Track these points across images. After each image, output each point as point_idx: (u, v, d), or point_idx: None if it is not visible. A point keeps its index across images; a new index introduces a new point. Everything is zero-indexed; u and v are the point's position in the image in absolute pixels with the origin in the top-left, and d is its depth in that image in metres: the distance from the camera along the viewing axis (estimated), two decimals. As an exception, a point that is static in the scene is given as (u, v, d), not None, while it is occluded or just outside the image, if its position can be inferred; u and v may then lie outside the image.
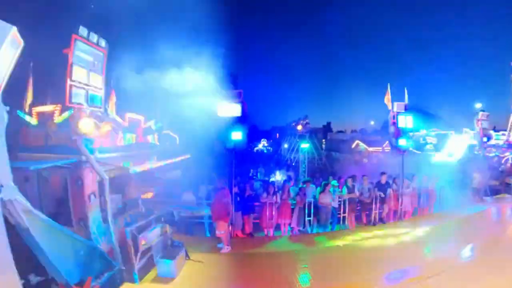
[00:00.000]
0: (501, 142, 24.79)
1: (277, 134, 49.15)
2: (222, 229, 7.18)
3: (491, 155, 20.84)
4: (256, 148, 50.17)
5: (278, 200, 8.92)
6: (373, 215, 10.04)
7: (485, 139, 15.17)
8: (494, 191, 14.74)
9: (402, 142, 9.80)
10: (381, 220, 10.17)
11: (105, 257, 4.41)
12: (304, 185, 9.63)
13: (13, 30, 3.87)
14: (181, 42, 8.47)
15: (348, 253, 7.35)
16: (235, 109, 7.98)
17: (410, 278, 5.03)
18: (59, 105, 6.40)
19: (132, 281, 4.44)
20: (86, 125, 4.44)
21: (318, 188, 9.45)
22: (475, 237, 7.54)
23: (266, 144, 52.25)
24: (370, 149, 25.75)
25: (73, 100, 4.57)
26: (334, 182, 10.00)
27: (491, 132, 30.20)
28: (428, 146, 28.34)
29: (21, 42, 4.02)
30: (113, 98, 7.56)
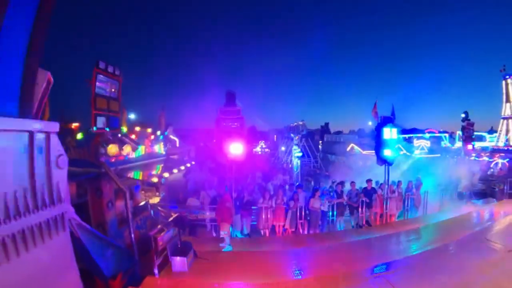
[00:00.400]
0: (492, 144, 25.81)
1: (275, 136, 49.52)
2: (225, 230, 8.21)
3: (481, 159, 21.80)
4: (254, 150, 50.66)
5: (273, 204, 9.85)
6: (359, 218, 11.00)
7: (470, 146, 16.03)
8: (481, 195, 15.24)
9: (387, 152, 10.67)
10: (368, 222, 11.10)
11: (129, 255, 5.34)
12: (296, 191, 10.54)
13: (48, 75, 4.76)
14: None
15: (333, 252, 8.26)
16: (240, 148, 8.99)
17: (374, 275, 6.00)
18: (77, 124, 7.32)
19: (153, 274, 5.46)
20: (113, 149, 5.33)
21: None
22: (442, 240, 8.43)
23: (264, 146, 52.78)
24: (364, 152, 26.67)
25: (97, 126, 5.46)
26: (325, 188, 10.92)
27: (485, 134, 31.20)
28: (418, 150, 29.42)
29: (52, 82, 4.92)
30: (125, 115, 8.49)
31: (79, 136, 7.18)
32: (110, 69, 6.44)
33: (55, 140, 3.86)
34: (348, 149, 28.40)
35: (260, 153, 48.58)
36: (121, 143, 6.27)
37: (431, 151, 29.94)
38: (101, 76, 6.19)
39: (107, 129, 6.45)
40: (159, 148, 10.55)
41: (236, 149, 8.99)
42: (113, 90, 6.59)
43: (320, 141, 49.07)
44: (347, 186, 11.39)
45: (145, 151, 9.12)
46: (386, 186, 11.26)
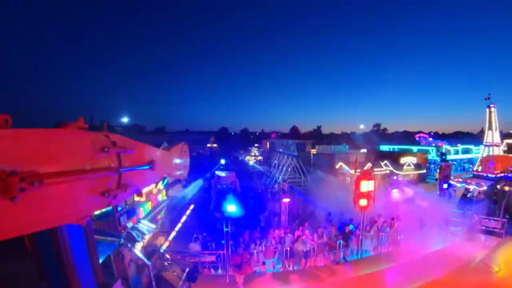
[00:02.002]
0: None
1: (267, 144, 48.51)
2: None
3: (458, 185, 23.43)
4: (247, 158, 51.15)
5: (263, 248, 11.42)
6: (337, 256, 12.65)
7: (445, 185, 17.09)
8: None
9: (363, 203, 12.23)
10: (344, 258, 12.75)
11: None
12: (284, 236, 12.12)
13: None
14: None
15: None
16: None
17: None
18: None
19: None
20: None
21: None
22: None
23: (257, 154, 52.14)
24: (352, 171, 28.33)
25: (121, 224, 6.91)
26: (308, 233, 12.53)
27: (471, 146, 32.65)
28: (407, 166, 31.24)
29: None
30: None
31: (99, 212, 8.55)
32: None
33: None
34: (337, 167, 29.96)
35: (253, 160, 49.54)
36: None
37: (417, 166, 31.84)
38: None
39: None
40: (162, 196, 11.93)
41: (231, 208, 10.51)
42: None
43: (313, 149, 50.01)
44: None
45: (151, 205, 10.52)
46: (362, 226, 12.91)
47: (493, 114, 25.63)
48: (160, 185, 11.75)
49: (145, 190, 10.00)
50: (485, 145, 26.55)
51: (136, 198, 9.11)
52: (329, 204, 18.98)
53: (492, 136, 25.87)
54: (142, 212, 9.46)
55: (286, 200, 13.73)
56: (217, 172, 13.52)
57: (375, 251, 13.58)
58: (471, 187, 22.59)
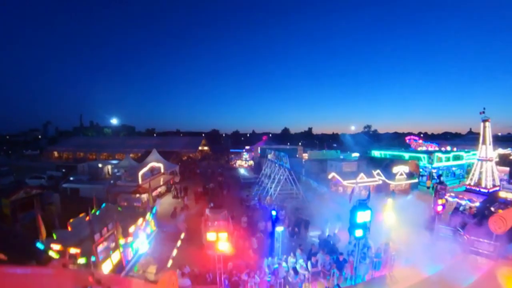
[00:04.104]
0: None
1: (259, 149, 48.04)
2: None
3: (450, 199, 23.45)
4: (238, 163, 50.45)
5: (257, 280, 11.06)
6: (332, 283, 12.39)
7: (439, 208, 16.89)
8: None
9: (358, 233, 11.91)
10: (338, 285, 12.49)
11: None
12: (277, 266, 11.79)
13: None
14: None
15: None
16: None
17: None
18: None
19: None
20: None
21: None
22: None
23: (247, 159, 50.54)
24: (345, 182, 28.22)
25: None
26: (301, 262, 12.23)
27: (462, 153, 32.96)
28: (399, 176, 31.27)
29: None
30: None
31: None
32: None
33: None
34: (330, 177, 29.80)
35: (244, 166, 48.90)
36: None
37: (409, 175, 31.90)
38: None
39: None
40: (151, 228, 11.45)
41: (223, 247, 10.12)
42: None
43: (305, 155, 49.79)
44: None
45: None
46: (356, 254, 12.67)
47: (487, 129, 25.71)
48: (148, 217, 11.27)
49: (132, 230, 9.57)
50: (479, 160, 26.68)
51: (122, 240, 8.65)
52: (323, 220, 18.82)
53: (486, 151, 26.02)
54: (130, 252, 9.01)
55: (280, 229, 13.35)
56: (207, 212, 12.85)
57: (368, 276, 13.40)
58: (463, 202, 22.78)
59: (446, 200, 19.38)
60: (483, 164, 26.49)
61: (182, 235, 12.63)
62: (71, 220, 11.05)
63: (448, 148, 49.15)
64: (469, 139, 61.62)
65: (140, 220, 10.54)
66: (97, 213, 12.17)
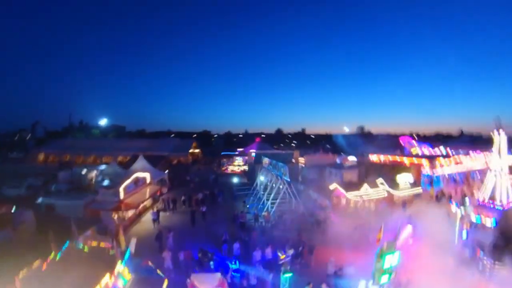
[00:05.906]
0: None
1: (252, 153, 45.09)
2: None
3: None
4: (231, 169, 47.59)
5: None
6: None
7: None
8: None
9: (384, 279, 9.51)
10: None
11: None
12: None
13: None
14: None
15: None
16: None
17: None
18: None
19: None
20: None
21: None
22: None
23: (241, 164, 47.78)
24: (348, 195, 25.95)
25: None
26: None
27: None
28: (403, 185, 29.08)
29: None
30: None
31: None
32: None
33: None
34: (332, 188, 27.33)
35: (238, 171, 46.21)
36: None
37: (413, 184, 29.73)
38: None
39: None
40: (124, 278, 8.80)
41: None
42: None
43: (301, 159, 46.96)
44: None
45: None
46: None
47: (503, 139, 22.33)
48: (119, 266, 8.61)
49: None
50: (492, 172, 23.70)
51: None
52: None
53: (501, 163, 22.80)
54: None
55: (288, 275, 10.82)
56: (193, 279, 9.93)
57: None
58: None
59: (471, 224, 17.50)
60: (498, 177, 23.84)
61: (165, 285, 9.88)
62: (20, 275, 8.41)
63: (449, 151, 47.05)
64: (464, 141, 59.96)
65: (106, 278, 7.89)
66: (58, 257, 9.53)
